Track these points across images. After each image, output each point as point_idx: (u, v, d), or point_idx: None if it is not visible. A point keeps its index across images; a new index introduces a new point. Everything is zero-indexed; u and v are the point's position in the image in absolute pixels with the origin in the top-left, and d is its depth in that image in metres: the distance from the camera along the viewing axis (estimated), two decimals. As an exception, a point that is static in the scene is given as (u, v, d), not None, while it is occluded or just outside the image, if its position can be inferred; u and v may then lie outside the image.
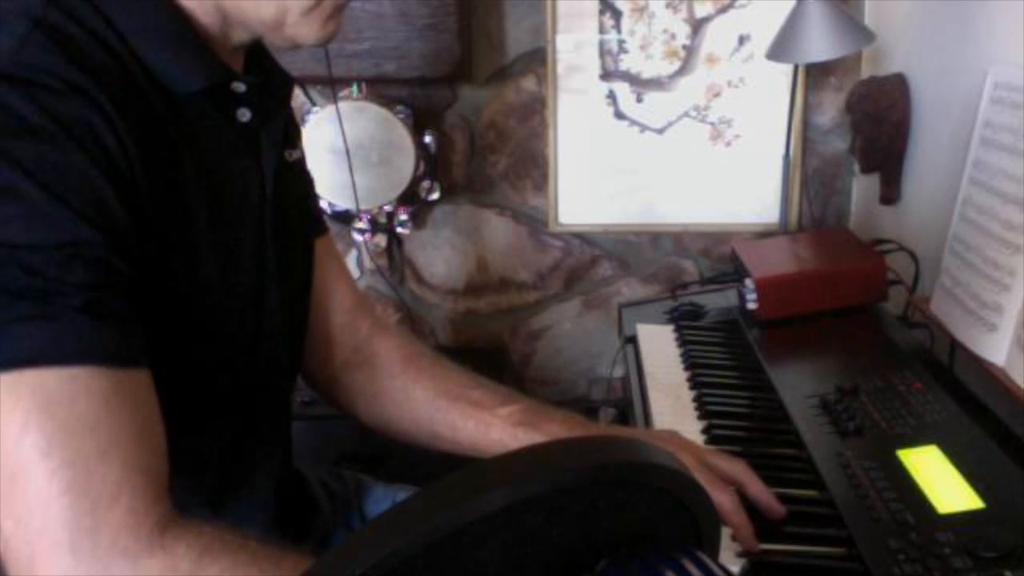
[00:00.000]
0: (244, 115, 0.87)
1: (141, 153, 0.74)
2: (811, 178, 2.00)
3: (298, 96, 1.97)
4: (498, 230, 2.09)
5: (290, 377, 1.05)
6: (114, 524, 0.66)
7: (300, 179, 1.06)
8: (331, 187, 1.84)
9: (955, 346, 1.19)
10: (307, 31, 0.83)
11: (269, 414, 1.00)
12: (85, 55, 0.73)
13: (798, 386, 1.20)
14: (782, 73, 1.87)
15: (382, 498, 1.17)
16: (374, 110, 1.83)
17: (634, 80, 1.95)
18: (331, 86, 1.74)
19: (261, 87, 0.89)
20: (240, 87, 0.86)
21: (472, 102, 2.01)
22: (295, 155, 1.02)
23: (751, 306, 1.43)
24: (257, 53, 0.94)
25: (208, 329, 0.85)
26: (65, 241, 0.68)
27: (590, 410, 2.10)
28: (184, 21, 0.81)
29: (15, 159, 0.68)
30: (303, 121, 1.85)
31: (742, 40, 1.92)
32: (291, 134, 1.02)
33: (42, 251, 0.67)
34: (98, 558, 0.65)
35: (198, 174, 0.82)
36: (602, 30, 1.93)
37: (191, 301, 0.82)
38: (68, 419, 0.66)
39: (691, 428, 1.17)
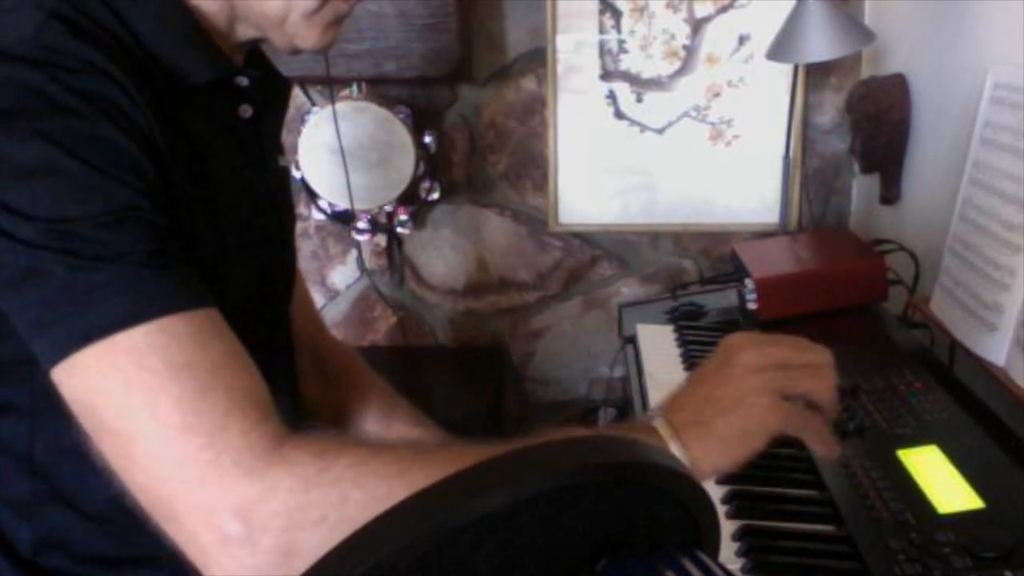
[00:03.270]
0: (246, 111, 0.90)
1: (160, 127, 0.76)
2: (811, 178, 2.00)
3: (298, 96, 1.97)
4: (498, 230, 2.09)
5: (292, 371, 1.06)
6: (232, 449, 0.68)
7: (286, 186, 1.08)
8: (331, 187, 1.84)
9: (955, 346, 1.19)
10: (306, 33, 0.85)
11: (280, 408, 1.01)
12: (98, 40, 0.75)
13: (798, 386, 1.20)
14: (782, 73, 1.87)
15: None
16: (374, 110, 1.83)
17: (634, 80, 1.95)
18: (330, 86, 1.74)
19: (261, 86, 0.90)
20: (243, 81, 0.88)
21: (472, 102, 2.01)
22: (283, 163, 1.05)
23: (751, 306, 1.43)
24: (257, 57, 0.96)
25: (227, 303, 0.86)
26: (112, 207, 0.71)
27: (590, 410, 2.10)
28: (191, 15, 0.83)
29: (50, 136, 0.70)
30: (303, 121, 1.85)
31: (742, 40, 1.92)
32: (279, 142, 1.04)
33: (94, 219, 0.70)
34: (228, 483, 0.68)
35: (206, 159, 0.84)
36: (602, 30, 1.93)
37: (215, 276, 0.83)
38: (164, 368, 0.69)
39: (691, 428, 1.17)
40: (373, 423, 1.12)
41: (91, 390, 0.69)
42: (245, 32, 0.87)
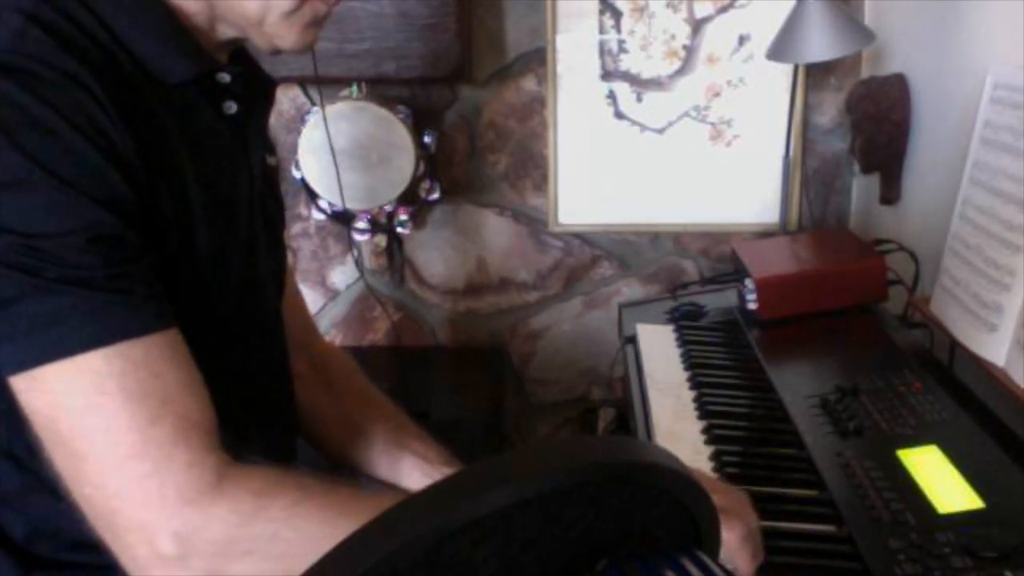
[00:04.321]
0: (231, 107, 0.90)
1: (133, 134, 0.77)
2: (811, 178, 2.00)
3: (298, 96, 1.98)
4: (498, 230, 2.09)
5: (286, 370, 1.06)
6: (177, 478, 0.73)
7: (276, 185, 1.08)
8: (331, 187, 1.84)
9: (955, 346, 1.19)
10: (285, 33, 0.86)
11: (274, 406, 1.01)
12: (76, 46, 0.76)
13: (798, 386, 1.20)
14: (782, 73, 1.87)
15: None
16: (374, 110, 1.83)
17: (634, 80, 1.95)
18: (317, 86, 1.70)
19: (245, 83, 0.91)
20: (225, 77, 0.89)
21: (472, 102, 2.01)
22: (273, 161, 1.05)
23: (751, 306, 1.43)
24: (241, 56, 0.96)
25: (203, 310, 0.87)
26: (81, 226, 0.72)
27: (590, 410, 2.10)
28: (171, 15, 0.84)
29: (25, 150, 0.71)
30: (303, 121, 1.85)
31: (742, 40, 1.92)
32: (269, 141, 1.05)
33: (62, 238, 0.72)
34: (169, 509, 0.72)
35: (192, 160, 0.84)
36: (602, 30, 1.93)
37: (188, 280, 0.84)
38: (119, 393, 0.73)
39: (691, 428, 1.17)
40: (383, 443, 1.13)
41: (49, 404, 0.73)
42: (226, 32, 0.88)
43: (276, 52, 0.89)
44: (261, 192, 0.96)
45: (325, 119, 1.73)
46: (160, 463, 0.73)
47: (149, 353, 0.74)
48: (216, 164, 0.88)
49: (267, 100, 0.99)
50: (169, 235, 0.81)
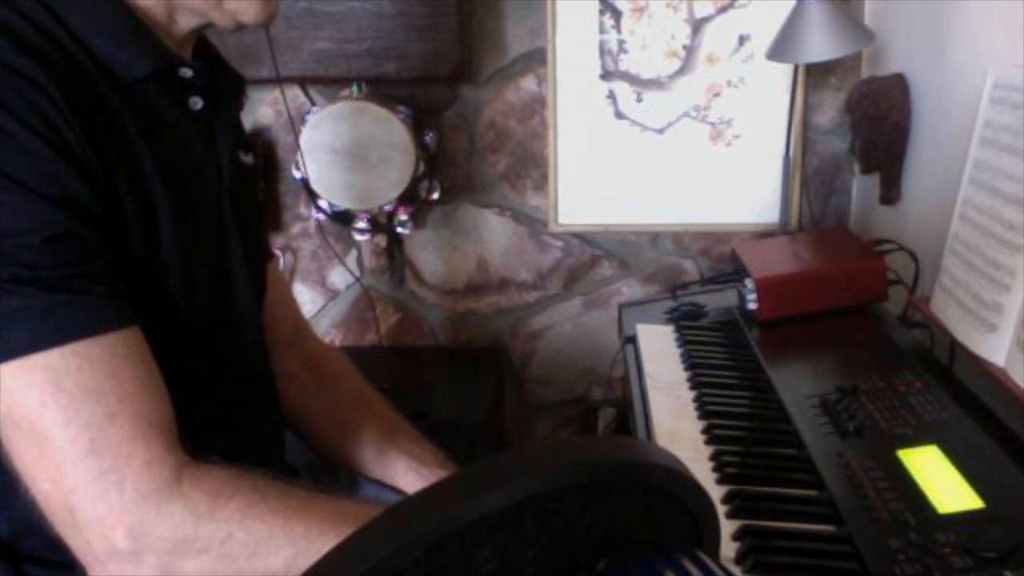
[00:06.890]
0: (196, 103, 0.91)
1: (90, 135, 0.77)
2: (811, 178, 2.00)
3: (298, 96, 1.98)
4: (498, 230, 2.09)
5: (267, 368, 1.06)
6: (135, 476, 0.74)
7: (253, 184, 1.08)
8: (331, 187, 1.84)
9: (955, 346, 1.19)
10: (246, 7, 0.86)
11: (255, 404, 1.01)
12: (31, 45, 0.76)
13: (798, 386, 1.20)
14: (782, 73, 1.87)
15: (374, 497, 1.17)
16: (374, 110, 1.83)
17: (634, 80, 1.95)
18: (278, 84, 1.63)
19: (211, 78, 0.92)
20: (187, 72, 0.89)
21: (472, 102, 2.01)
22: (248, 159, 1.05)
23: (751, 306, 1.43)
24: (208, 53, 0.97)
25: (171, 307, 0.87)
26: (36, 226, 0.73)
27: (590, 410, 2.10)
28: (129, 10, 0.84)
29: None
30: (303, 121, 1.85)
31: (742, 40, 1.92)
32: (243, 138, 1.05)
33: (17, 238, 0.72)
34: (126, 505, 0.73)
35: (154, 157, 0.84)
36: (602, 30, 1.93)
37: (154, 278, 0.85)
38: (77, 391, 0.73)
39: (691, 428, 1.17)
40: (377, 444, 1.13)
41: (6, 402, 0.73)
42: (188, 22, 0.88)
43: (240, 28, 0.89)
44: (233, 189, 0.96)
45: (292, 119, 1.73)
46: (119, 460, 0.74)
47: (106, 351, 0.75)
48: (180, 161, 0.88)
49: (236, 96, 1.00)
50: (132, 233, 0.82)
